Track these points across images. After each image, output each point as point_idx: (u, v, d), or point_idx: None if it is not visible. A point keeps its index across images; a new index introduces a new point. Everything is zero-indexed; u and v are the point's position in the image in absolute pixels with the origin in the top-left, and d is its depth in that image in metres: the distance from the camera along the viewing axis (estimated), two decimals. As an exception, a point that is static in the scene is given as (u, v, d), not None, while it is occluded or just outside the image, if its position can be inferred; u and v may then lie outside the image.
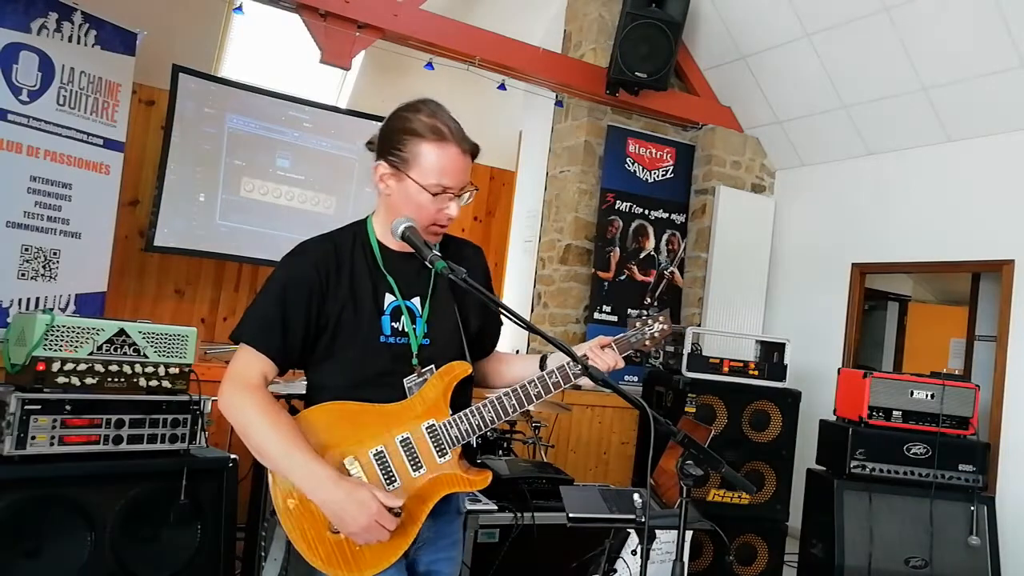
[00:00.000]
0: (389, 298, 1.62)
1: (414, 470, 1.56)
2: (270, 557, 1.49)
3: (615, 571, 2.72)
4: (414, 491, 1.56)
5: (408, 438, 1.57)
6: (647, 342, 1.77)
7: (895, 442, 3.92)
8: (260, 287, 1.63)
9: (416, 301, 1.66)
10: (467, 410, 1.61)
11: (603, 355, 1.70)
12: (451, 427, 1.60)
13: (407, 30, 4.81)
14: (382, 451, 1.55)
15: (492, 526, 3.18)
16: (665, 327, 1.77)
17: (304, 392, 1.71)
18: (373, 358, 1.59)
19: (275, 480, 1.54)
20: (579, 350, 1.69)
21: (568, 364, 1.65)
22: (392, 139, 1.60)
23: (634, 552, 2.72)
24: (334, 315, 1.58)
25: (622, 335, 1.76)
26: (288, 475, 1.48)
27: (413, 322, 1.63)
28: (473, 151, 1.64)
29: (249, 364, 1.54)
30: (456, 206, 1.63)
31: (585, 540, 3.11)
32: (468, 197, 1.67)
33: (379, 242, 1.66)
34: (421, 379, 1.62)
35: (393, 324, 1.61)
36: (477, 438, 1.64)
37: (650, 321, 1.78)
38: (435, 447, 1.58)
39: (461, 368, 1.64)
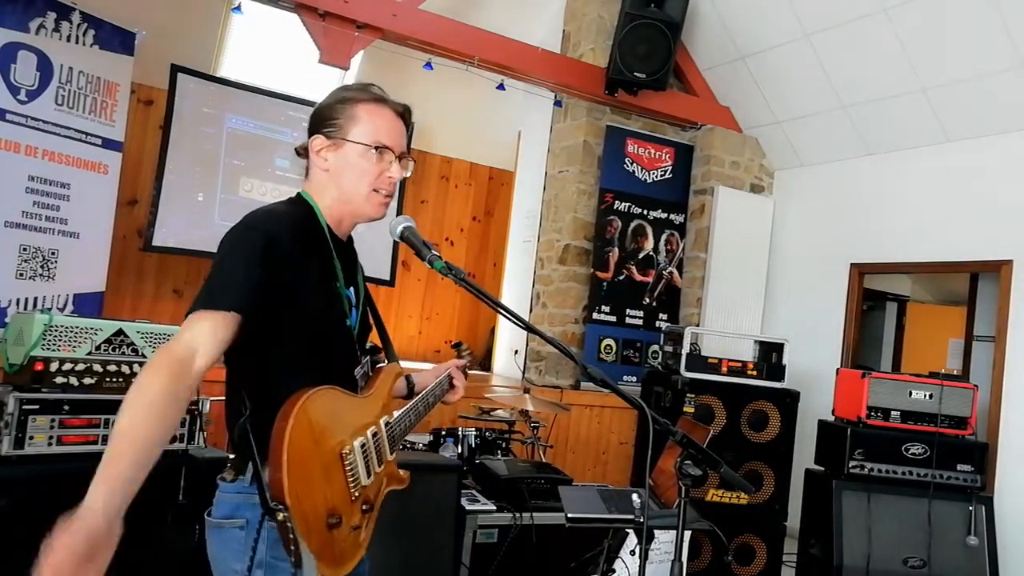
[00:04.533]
0: (335, 284, 1.59)
1: (379, 464, 1.58)
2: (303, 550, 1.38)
3: (614, 571, 2.72)
4: (378, 485, 1.58)
5: (377, 432, 1.58)
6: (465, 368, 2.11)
7: (893, 442, 3.92)
8: (221, 255, 1.41)
9: (351, 291, 1.65)
10: (402, 411, 1.70)
11: (460, 375, 2.00)
12: (397, 425, 1.67)
13: (406, 30, 4.81)
14: (365, 443, 1.53)
15: (491, 526, 3.19)
16: (473, 359, 2.23)
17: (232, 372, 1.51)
18: (340, 343, 1.57)
19: (290, 459, 1.32)
20: (440, 369, 1.99)
21: (442, 381, 1.94)
22: (327, 113, 1.60)
23: (633, 552, 2.72)
24: (305, 291, 1.47)
25: (465, 364, 2.11)
26: (109, 479, 1.23)
27: (349, 311, 1.61)
28: (405, 114, 1.66)
29: (197, 333, 1.33)
30: (398, 168, 1.61)
31: (584, 540, 3.12)
32: (409, 168, 1.65)
33: (327, 224, 1.60)
34: (363, 370, 1.64)
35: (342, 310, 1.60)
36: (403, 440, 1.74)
37: (467, 353, 2.19)
38: (389, 443, 1.62)
39: (400, 369, 1.74)
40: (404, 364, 1.82)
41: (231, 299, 1.36)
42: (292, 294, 1.45)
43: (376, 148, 1.58)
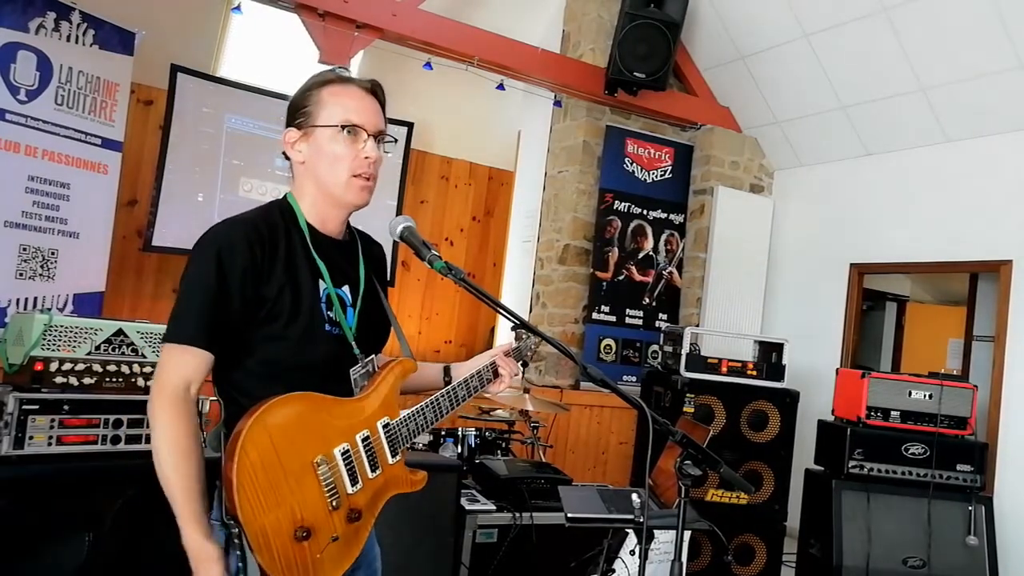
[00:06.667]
0: (321, 284, 1.52)
1: (372, 470, 1.50)
2: (250, 567, 1.39)
3: (613, 571, 2.72)
4: (371, 492, 1.50)
5: (368, 436, 1.50)
6: (528, 354, 1.95)
7: (893, 442, 3.92)
8: (182, 277, 1.46)
9: (346, 289, 1.58)
10: (412, 410, 1.59)
11: (509, 362, 1.81)
12: (402, 426, 1.57)
13: (406, 30, 4.81)
14: (348, 450, 1.47)
15: (490, 526, 3.19)
16: (536, 341, 1.93)
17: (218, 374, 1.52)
18: (316, 346, 1.49)
19: (240, 474, 1.33)
20: (485, 357, 1.80)
21: (482, 370, 1.75)
22: (296, 104, 1.58)
23: (632, 552, 2.72)
24: (271, 297, 1.44)
25: (516, 347, 1.91)
26: (193, 514, 1.38)
27: (343, 311, 1.56)
28: (376, 90, 1.60)
29: (175, 368, 1.40)
30: (373, 146, 1.54)
31: (583, 540, 3.12)
32: (388, 145, 1.59)
33: (308, 223, 1.56)
34: (364, 370, 1.57)
35: (328, 312, 1.52)
36: (414, 440, 1.63)
37: (528, 337, 1.93)
38: (389, 446, 1.54)
39: (409, 364, 1.63)
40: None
41: (180, 330, 1.41)
42: (253, 301, 1.43)
43: (345, 128, 1.52)
